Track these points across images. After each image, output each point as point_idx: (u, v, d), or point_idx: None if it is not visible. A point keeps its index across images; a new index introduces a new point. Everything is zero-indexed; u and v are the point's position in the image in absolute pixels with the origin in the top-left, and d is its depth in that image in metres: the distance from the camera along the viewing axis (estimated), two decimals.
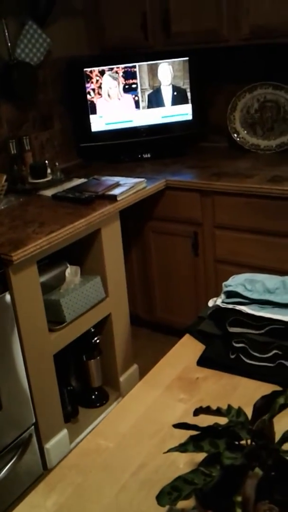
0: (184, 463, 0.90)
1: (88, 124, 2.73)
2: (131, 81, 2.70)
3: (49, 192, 2.28)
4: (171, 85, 2.74)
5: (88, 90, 2.68)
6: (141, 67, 2.69)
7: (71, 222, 1.94)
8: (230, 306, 1.21)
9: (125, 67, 2.68)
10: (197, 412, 0.81)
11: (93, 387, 2.30)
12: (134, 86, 2.71)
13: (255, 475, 0.69)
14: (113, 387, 2.38)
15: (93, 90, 2.69)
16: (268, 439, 0.75)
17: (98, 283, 2.16)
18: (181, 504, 0.74)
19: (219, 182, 2.32)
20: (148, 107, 2.76)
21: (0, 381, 1.78)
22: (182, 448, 0.77)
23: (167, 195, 2.47)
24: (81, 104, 2.71)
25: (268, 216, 2.24)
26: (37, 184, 2.38)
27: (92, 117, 2.72)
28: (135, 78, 2.70)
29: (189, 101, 2.77)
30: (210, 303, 1.31)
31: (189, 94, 2.75)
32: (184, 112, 2.79)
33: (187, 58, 2.69)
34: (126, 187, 2.23)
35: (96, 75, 2.67)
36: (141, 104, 2.75)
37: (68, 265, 2.12)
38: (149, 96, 2.74)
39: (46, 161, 2.50)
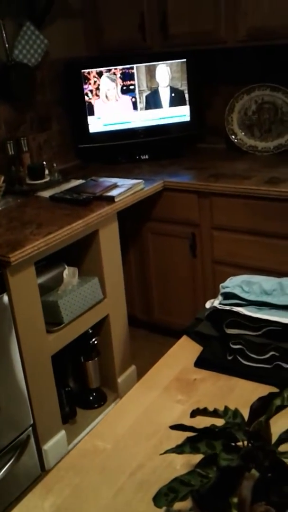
0: (181, 464, 0.91)
1: (86, 125, 2.73)
2: (129, 83, 2.71)
3: (47, 193, 2.29)
4: (168, 87, 2.75)
5: (86, 91, 2.68)
6: (139, 69, 2.69)
7: (69, 223, 1.94)
8: (228, 307, 1.21)
9: (123, 69, 2.68)
10: (194, 413, 0.81)
11: (91, 388, 2.30)
12: (132, 87, 2.71)
13: (252, 476, 0.69)
14: (111, 388, 2.38)
15: (91, 91, 2.69)
16: (265, 440, 0.75)
17: (96, 284, 2.16)
18: (177, 505, 0.74)
19: (217, 183, 2.32)
20: (146, 108, 2.76)
21: None
22: (178, 449, 0.77)
23: (165, 196, 2.48)
24: (79, 105, 2.71)
25: (265, 217, 2.24)
26: (35, 185, 2.38)
27: (90, 118, 2.72)
28: (133, 79, 2.70)
29: (187, 102, 2.77)
30: (208, 305, 1.32)
31: (186, 96, 2.76)
32: (182, 113, 2.79)
33: (185, 60, 2.70)
34: (124, 188, 2.23)
35: (94, 77, 2.67)
36: (139, 106, 2.75)
37: (66, 266, 2.12)
38: (147, 97, 2.75)
39: (44, 162, 2.50)
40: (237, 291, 1.24)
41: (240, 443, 0.77)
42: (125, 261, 2.48)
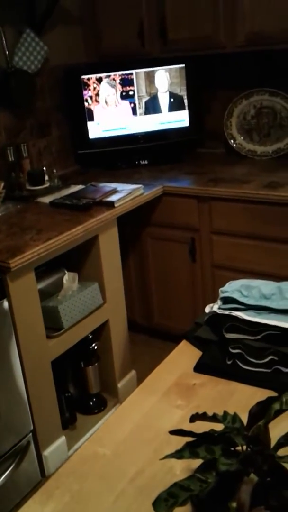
0: (181, 469, 0.91)
1: (85, 131, 2.74)
2: (128, 88, 2.72)
3: (46, 199, 2.29)
4: (168, 92, 2.76)
5: (85, 97, 2.69)
6: (138, 74, 2.71)
7: (69, 228, 1.95)
8: (227, 312, 1.22)
9: (122, 74, 2.69)
10: (193, 418, 0.81)
11: (91, 394, 2.30)
12: (131, 93, 2.73)
13: (251, 481, 0.69)
14: (111, 393, 2.38)
15: (91, 97, 2.70)
16: (264, 445, 0.75)
17: (96, 290, 2.16)
18: (177, 510, 0.74)
19: (216, 188, 2.33)
20: (145, 113, 2.77)
21: None
22: (178, 454, 0.77)
23: (164, 201, 2.48)
24: (79, 111, 2.72)
25: (265, 221, 2.25)
26: (35, 191, 2.38)
27: (89, 124, 2.74)
28: (132, 85, 2.71)
29: (186, 107, 2.78)
30: (207, 309, 1.32)
31: (185, 101, 2.77)
32: (181, 118, 2.80)
33: (183, 65, 2.71)
34: (123, 193, 2.24)
35: (94, 83, 2.69)
36: (138, 111, 2.76)
37: (66, 272, 2.13)
38: (146, 103, 2.76)
39: (44, 168, 2.51)
40: (236, 296, 1.24)
41: (239, 448, 0.77)
42: (125, 266, 2.49)
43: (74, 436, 2.19)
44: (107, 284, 2.21)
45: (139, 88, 2.73)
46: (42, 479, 2.01)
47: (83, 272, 2.19)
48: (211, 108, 2.89)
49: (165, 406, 1.11)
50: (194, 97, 2.79)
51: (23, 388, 1.87)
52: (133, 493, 0.90)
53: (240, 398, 1.09)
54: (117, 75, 2.69)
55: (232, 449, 0.77)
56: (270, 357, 1.14)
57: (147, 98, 2.75)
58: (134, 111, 2.76)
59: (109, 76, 2.69)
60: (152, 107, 2.77)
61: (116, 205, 2.16)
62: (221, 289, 1.31)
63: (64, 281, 2.10)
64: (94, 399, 2.32)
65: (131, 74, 2.70)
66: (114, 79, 2.70)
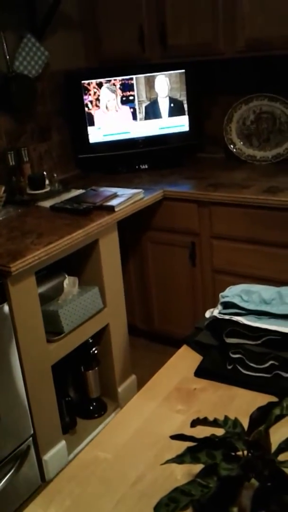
0: (182, 474, 0.91)
1: (86, 135, 2.75)
2: (128, 93, 2.73)
3: (47, 203, 2.30)
4: (168, 97, 2.77)
5: (86, 102, 2.70)
6: (138, 79, 2.72)
7: (69, 233, 1.95)
8: (227, 317, 1.22)
9: (123, 79, 2.71)
10: (194, 423, 0.81)
11: (91, 398, 2.30)
12: (131, 98, 2.74)
13: (251, 486, 0.69)
14: (111, 397, 2.38)
15: (91, 102, 2.71)
16: (264, 450, 0.76)
17: (96, 294, 2.17)
18: None
19: (216, 192, 2.33)
20: (145, 118, 2.78)
21: None
22: (179, 459, 0.78)
23: (165, 205, 2.49)
24: (79, 116, 2.73)
25: (265, 226, 2.25)
26: (35, 195, 2.39)
27: (90, 128, 2.75)
28: (133, 90, 2.73)
29: (186, 112, 2.80)
30: (207, 314, 1.32)
31: (185, 106, 2.78)
32: (181, 123, 2.81)
33: (183, 70, 2.72)
34: (123, 198, 2.24)
35: (94, 87, 2.70)
36: (138, 116, 2.77)
37: (66, 276, 2.13)
38: (146, 107, 2.77)
39: (44, 172, 2.52)
40: (236, 301, 1.25)
41: (240, 453, 0.77)
42: (125, 270, 2.49)
43: (74, 440, 2.19)
44: (107, 288, 2.21)
45: (139, 93, 2.74)
46: (42, 483, 2.01)
47: (84, 276, 2.20)
48: (211, 113, 2.90)
49: (165, 411, 1.11)
50: (194, 102, 2.80)
51: (23, 392, 1.87)
52: (134, 497, 0.90)
53: (240, 403, 1.10)
54: (117, 80, 2.70)
55: (233, 454, 0.77)
56: (271, 362, 1.15)
57: (147, 103, 2.76)
58: (134, 116, 2.77)
59: (109, 81, 2.70)
60: (152, 112, 2.78)
61: (116, 209, 2.17)
62: (221, 294, 1.31)
63: (65, 285, 2.10)
64: (94, 404, 2.32)
65: (131, 79, 2.71)
66: (114, 84, 2.71)
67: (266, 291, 1.27)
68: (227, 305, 1.26)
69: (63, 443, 2.08)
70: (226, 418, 0.82)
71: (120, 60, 2.72)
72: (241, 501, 0.66)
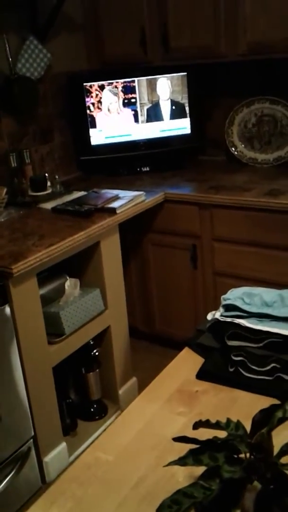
0: (184, 476, 0.91)
1: (88, 137, 2.76)
2: (130, 96, 2.74)
3: (49, 205, 2.30)
4: (169, 100, 2.78)
5: (88, 104, 2.71)
6: (140, 82, 2.72)
7: (71, 234, 1.95)
8: (229, 319, 1.22)
9: (125, 82, 2.71)
10: (197, 425, 0.81)
11: (92, 400, 2.30)
12: (133, 100, 2.74)
13: (254, 488, 0.69)
14: (112, 400, 2.38)
15: (93, 104, 2.72)
16: (267, 452, 0.76)
17: (98, 296, 2.17)
18: None
19: (217, 195, 2.34)
20: (147, 121, 2.79)
21: None
22: (181, 461, 0.78)
23: (166, 208, 2.49)
24: (81, 118, 2.74)
25: (266, 229, 2.25)
26: (37, 197, 2.39)
27: (91, 130, 2.75)
28: (134, 92, 2.73)
29: (188, 115, 2.80)
30: (209, 317, 1.32)
31: (187, 109, 2.79)
32: (183, 126, 2.82)
33: (185, 73, 2.73)
34: (125, 200, 2.25)
35: (96, 90, 2.70)
36: (140, 118, 2.78)
37: (68, 278, 2.13)
38: (148, 110, 2.78)
39: (46, 174, 2.52)
40: (238, 303, 1.25)
41: (242, 455, 0.77)
42: (126, 272, 2.49)
43: (74, 442, 2.19)
44: (108, 290, 2.21)
45: (141, 95, 2.74)
46: (42, 485, 2.01)
47: (85, 278, 2.20)
48: (212, 116, 2.91)
49: (167, 413, 1.11)
50: (196, 105, 2.81)
51: (24, 393, 1.87)
52: (136, 499, 0.90)
53: (242, 406, 1.10)
54: (119, 82, 2.71)
55: (236, 456, 0.77)
56: (272, 364, 1.15)
57: (149, 105, 2.77)
58: (136, 119, 2.77)
59: (111, 84, 2.71)
60: (154, 114, 2.79)
61: (118, 211, 2.17)
62: (223, 296, 1.31)
63: (66, 287, 2.10)
64: (95, 406, 2.32)
65: (133, 81, 2.72)
66: (116, 87, 2.72)
67: (267, 294, 1.27)
68: (229, 307, 1.26)
69: (63, 445, 2.08)
70: (229, 420, 0.82)
71: (122, 63, 2.73)
72: (244, 504, 0.66)
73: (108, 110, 2.74)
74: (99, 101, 2.72)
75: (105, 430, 2.12)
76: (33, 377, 1.89)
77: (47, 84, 2.68)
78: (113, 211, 2.17)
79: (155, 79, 2.73)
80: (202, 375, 1.20)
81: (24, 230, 2.05)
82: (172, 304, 2.67)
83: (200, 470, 0.81)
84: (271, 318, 1.20)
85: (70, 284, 2.11)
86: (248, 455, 0.77)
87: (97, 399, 2.31)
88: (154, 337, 2.81)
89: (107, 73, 2.76)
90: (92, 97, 2.71)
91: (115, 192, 2.34)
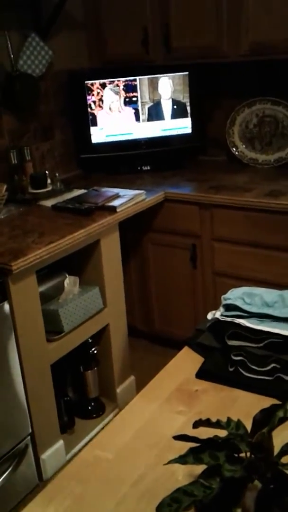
0: (183, 475, 0.91)
1: (88, 135, 2.76)
2: (131, 94, 2.74)
3: (49, 203, 2.30)
4: (171, 99, 2.78)
5: (89, 102, 2.71)
6: (141, 81, 2.72)
7: (71, 232, 1.95)
8: (229, 319, 1.22)
9: (126, 81, 2.71)
10: (197, 424, 0.82)
11: (90, 398, 2.30)
12: (134, 99, 2.74)
13: (255, 487, 0.69)
14: (109, 398, 2.38)
15: (94, 102, 2.72)
16: (267, 452, 0.76)
17: (97, 294, 2.17)
18: None
19: (218, 195, 2.34)
20: (148, 120, 2.79)
21: None
22: (182, 460, 0.78)
23: (166, 207, 2.49)
24: (82, 116, 2.73)
25: (266, 230, 2.26)
26: (37, 194, 2.39)
27: (92, 129, 2.75)
28: (136, 91, 2.73)
29: (189, 114, 2.80)
30: (209, 316, 1.32)
31: (188, 108, 2.79)
32: (184, 125, 2.82)
33: (187, 73, 2.73)
34: (125, 198, 2.25)
35: (97, 88, 2.70)
36: (141, 117, 2.78)
37: (67, 275, 2.13)
38: (149, 109, 2.77)
39: (47, 172, 2.51)
40: (238, 303, 1.25)
41: (243, 454, 0.77)
42: (126, 271, 2.49)
43: (72, 440, 2.19)
44: (108, 288, 2.21)
45: (143, 94, 2.74)
46: (39, 482, 2.01)
47: (84, 276, 2.20)
48: (213, 116, 2.91)
49: (167, 411, 1.11)
50: (197, 105, 2.81)
51: (22, 390, 1.87)
52: (135, 497, 0.90)
53: (242, 405, 1.10)
54: (121, 81, 2.71)
55: (236, 455, 0.77)
56: (272, 365, 1.15)
57: (150, 104, 2.77)
58: (137, 117, 2.77)
59: (112, 82, 2.70)
60: (155, 113, 2.78)
61: (118, 210, 2.17)
62: (223, 296, 1.31)
63: (65, 284, 2.10)
64: (93, 404, 2.32)
65: (135, 80, 2.72)
66: (118, 85, 2.71)
67: (268, 294, 1.27)
68: (229, 307, 1.26)
69: (61, 442, 2.08)
70: (229, 419, 0.82)
71: (124, 61, 2.73)
72: (245, 502, 0.66)
73: (110, 108, 2.73)
74: (101, 99, 2.72)
75: (102, 428, 2.12)
76: (31, 374, 1.89)
77: (48, 82, 2.68)
78: (113, 209, 2.16)
79: (157, 78, 2.73)
80: (202, 374, 1.20)
81: (24, 227, 2.05)
82: (171, 304, 2.67)
83: (199, 469, 0.81)
84: (272, 319, 1.21)
85: (69, 282, 2.11)
86: (248, 454, 0.77)
87: (95, 397, 2.31)
88: (152, 336, 2.81)
89: (109, 72, 2.76)
90: (93, 95, 2.70)
91: (115, 190, 2.34)
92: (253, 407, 0.89)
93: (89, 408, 2.31)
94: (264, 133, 2.75)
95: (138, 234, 2.65)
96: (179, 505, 0.72)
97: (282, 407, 0.79)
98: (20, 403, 1.87)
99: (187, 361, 1.27)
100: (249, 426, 0.81)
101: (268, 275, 2.27)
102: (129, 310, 2.42)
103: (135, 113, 2.76)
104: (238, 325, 1.20)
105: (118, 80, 2.70)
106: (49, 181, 2.46)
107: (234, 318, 1.22)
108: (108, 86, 2.71)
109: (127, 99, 2.74)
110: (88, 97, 2.70)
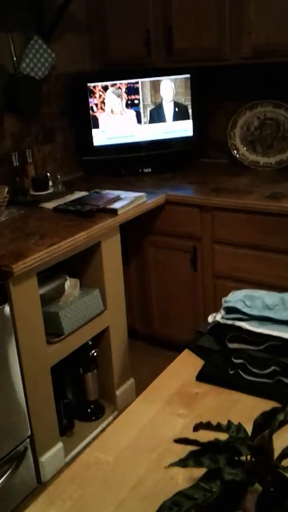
0: (183, 478, 0.91)
1: (90, 138, 2.76)
2: (133, 97, 2.74)
3: (50, 205, 2.30)
4: (172, 101, 2.78)
5: (91, 104, 2.71)
6: (143, 83, 2.73)
7: (72, 234, 1.95)
8: (230, 322, 1.22)
9: (128, 83, 2.71)
10: (197, 427, 0.81)
11: (89, 400, 2.29)
12: (136, 101, 2.75)
13: (256, 490, 0.69)
14: (109, 400, 2.37)
15: (96, 105, 2.72)
16: (268, 455, 0.76)
17: (97, 296, 2.17)
18: None
19: (219, 197, 2.34)
20: (150, 122, 2.79)
21: None
22: (182, 463, 0.78)
23: (167, 209, 2.49)
24: (84, 118, 2.74)
25: (267, 232, 2.26)
26: (39, 197, 2.39)
27: (94, 131, 2.75)
28: (138, 94, 2.73)
29: (190, 117, 2.80)
30: (210, 319, 1.32)
31: (190, 111, 2.79)
32: (185, 128, 2.82)
33: (189, 75, 2.73)
34: (126, 201, 2.25)
35: (99, 90, 2.70)
36: (143, 120, 2.78)
37: (68, 278, 2.13)
38: (151, 111, 2.78)
39: (48, 174, 2.52)
40: (239, 306, 1.25)
41: (243, 458, 0.77)
42: (126, 273, 2.49)
43: (71, 442, 2.18)
44: (108, 291, 2.21)
45: (145, 97, 2.75)
46: (38, 485, 2.00)
47: (85, 278, 2.20)
48: (215, 118, 2.91)
49: (167, 414, 1.11)
50: (199, 107, 2.81)
51: (22, 393, 1.86)
52: (135, 501, 0.90)
53: (242, 408, 1.09)
54: (123, 83, 2.71)
55: (237, 458, 0.77)
56: (273, 367, 1.15)
57: (152, 107, 2.77)
58: (139, 120, 2.78)
59: (115, 85, 2.71)
60: (157, 116, 2.79)
61: (119, 212, 2.17)
62: (224, 298, 1.31)
63: (66, 287, 2.10)
64: (92, 406, 2.31)
65: (137, 83, 2.72)
66: (119, 88, 2.72)
67: (269, 297, 1.27)
68: (230, 310, 1.26)
69: (60, 445, 2.08)
70: (230, 422, 0.82)
71: (126, 64, 2.73)
72: (245, 506, 0.65)
73: (111, 111, 2.74)
74: (103, 102, 2.72)
75: (101, 431, 2.12)
76: (31, 376, 1.89)
77: (50, 84, 2.68)
78: (114, 212, 2.16)
79: (159, 81, 2.73)
80: (202, 377, 1.20)
81: (25, 229, 2.05)
82: (172, 306, 2.67)
83: (199, 472, 0.81)
84: (272, 322, 1.20)
85: (70, 284, 2.11)
86: (249, 457, 0.76)
87: (94, 399, 2.30)
88: (152, 338, 2.81)
89: (111, 74, 2.76)
90: (95, 97, 2.71)
91: (116, 193, 2.34)
92: (253, 410, 0.89)
93: (89, 410, 2.31)
94: (265, 136, 2.76)
95: (139, 237, 2.65)
96: (179, 509, 0.72)
97: (282, 410, 0.79)
98: (20, 405, 1.86)
99: (187, 363, 1.27)
100: (249, 429, 0.81)
101: (269, 278, 2.27)
102: (129, 313, 2.42)
103: (136, 115, 2.77)
104: (239, 328, 1.20)
105: (120, 83, 2.71)
106: (50, 183, 2.47)
107: (234, 321, 1.22)
108: (110, 89, 2.71)
109: (129, 102, 2.74)
110: (90, 100, 2.70)
